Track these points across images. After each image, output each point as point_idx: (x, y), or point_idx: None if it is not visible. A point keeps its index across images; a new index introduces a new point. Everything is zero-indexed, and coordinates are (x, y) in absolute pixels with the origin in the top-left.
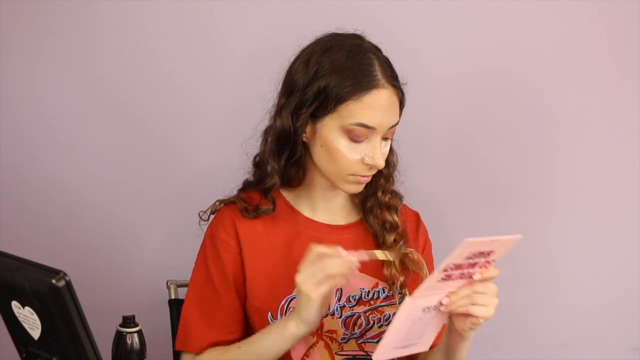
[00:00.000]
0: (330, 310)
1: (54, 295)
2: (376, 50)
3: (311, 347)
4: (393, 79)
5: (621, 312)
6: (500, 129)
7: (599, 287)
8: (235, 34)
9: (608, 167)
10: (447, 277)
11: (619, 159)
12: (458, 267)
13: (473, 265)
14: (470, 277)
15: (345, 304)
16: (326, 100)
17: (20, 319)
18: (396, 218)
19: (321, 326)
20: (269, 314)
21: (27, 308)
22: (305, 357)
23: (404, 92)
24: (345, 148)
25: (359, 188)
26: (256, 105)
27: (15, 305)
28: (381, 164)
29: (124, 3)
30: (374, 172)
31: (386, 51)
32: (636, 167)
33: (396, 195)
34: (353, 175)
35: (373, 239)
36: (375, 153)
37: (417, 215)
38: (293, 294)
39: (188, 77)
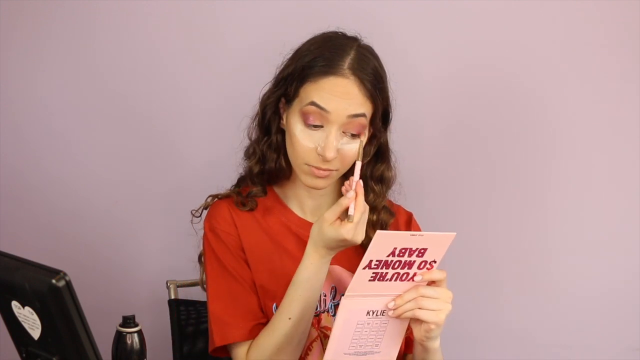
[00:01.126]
0: (326, 308)
1: (54, 295)
2: (365, 49)
3: (314, 340)
4: (363, 74)
5: (621, 312)
6: (495, 129)
7: (599, 288)
8: (234, 32)
9: (608, 167)
10: (381, 277)
11: (618, 158)
12: (386, 264)
13: (410, 265)
14: (412, 279)
15: (339, 302)
16: (292, 82)
17: (20, 319)
18: None
19: (319, 320)
20: (274, 305)
21: (27, 308)
22: (308, 351)
23: (382, 96)
24: (300, 132)
25: (316, 182)
26: (257, 104)
27: (15, 305)
28: (329, 155)
29: (123, 3)
30: (330, 166)
31: (388, 55)
32: (636, 167)
33: (387, 211)
34: (307, 165)
35: (360, 246)
36: (327, 142)
37: (409, 216)
38: None
39: (188, 77)
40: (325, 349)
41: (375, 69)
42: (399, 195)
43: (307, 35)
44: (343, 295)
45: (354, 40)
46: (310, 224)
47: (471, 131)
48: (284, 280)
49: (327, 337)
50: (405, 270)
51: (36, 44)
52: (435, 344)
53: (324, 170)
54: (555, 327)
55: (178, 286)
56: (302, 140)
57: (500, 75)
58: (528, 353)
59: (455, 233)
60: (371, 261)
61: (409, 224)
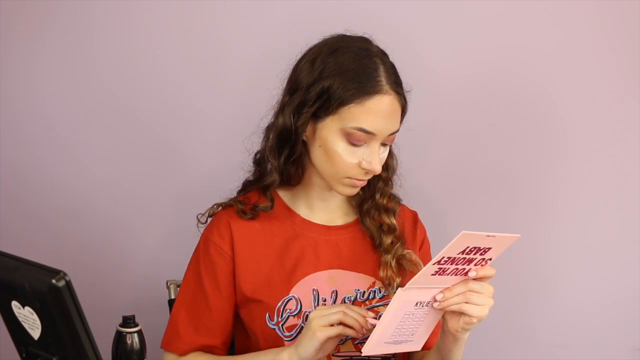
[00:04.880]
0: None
1: (54, 295)
2: (383, 55)
3: None
4: (397, 85)
5: (621, 312)
6: (502, 132)
7: (599, 287)
8: (236, 34)
9: (609, 168)
10: (441, 272)
11: (620, 160)
12: (452, 261)
13: (469, 261)
14: (466, 274)
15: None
16: (328, 101)
17: (20, 319)
18: (394, 221)
19: None
20: (267, 314)
21: (27, 308)
22: None
23: (407, 99)
24: (343, 151)
25: (354, 191)
26: (257, 105)
27: (15, 305)
28: (378, 169)
29: (124, 3)
30: (370, 176)
31: (392, 56)
32: (637, 168)
33: (394, 198)
34: (349, 178)
35: (370, 240)
36: (373, 158)
37: (414, 215)
38: (290, 294)
39: (188, 77)
40: (332, 353)
41: (396, 70)
42: (405, 197)
43: (313, 39)
44: (347, 297)
45: (369, 43)
46: (315, 225)
47: (480, 136)
48: (279, 290)
49: None
50: (464, 266)
51: (36, 44)
52: (467, 335)
53: (365, 180)
54: (555, 327)
55: (178, 286)
56: (346, 158)
57: (510, 81)
58: (528, 352)
59: (519, 235)
60: (443, 257)
61: (416, 222)
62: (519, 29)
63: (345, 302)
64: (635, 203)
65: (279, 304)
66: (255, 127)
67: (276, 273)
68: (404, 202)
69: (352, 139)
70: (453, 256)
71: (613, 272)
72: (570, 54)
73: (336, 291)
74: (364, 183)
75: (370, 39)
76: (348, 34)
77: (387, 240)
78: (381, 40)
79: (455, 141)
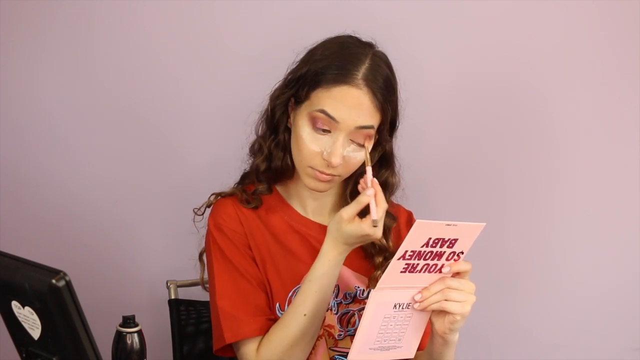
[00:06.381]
0: (329, 306)
1: (54, 295)
2: (379, 58)
3: (318, 338)
4: (377, 86)
5: (621, 312)
6: (499, 132)
7: (599, 287)
8: (234, 31)
9: (607, 167)
10: (412, 268)
11: (618, 158)
12: (419, 255)
13: (439, 256)
14: (440, 271)
15: (342, 300)
16: (304, 85)
17: (20, 319)
18: (384, 242)
19: (324, 319)
20: (277, 304)
21: (27, 308)
22: (312, 350)
23: (392, 107)
24: (307, 136)
25: (319, 185)
26: (257, 102)
27: (15, 305)
28: (335, 161)
29: (123, 2)
30: (333, 171)
31: (393, 60)
32: (636, 167)
33: (390, 216)
34: (311, 168)
35: (361, 249)
36: (333, 149)
37: (409, 215)
38: (299, 285)
39: (188, 77)
40: (329, 347)
41: (388, 80)
42: (402, 198)
43: (310, 35)
44: (348, 292)
45: (369, 47)
46: (312, 223)
47: (476, 136)
48: (288, 279)
49: (331, 335)
50: (435, 261)
51: (37, 44)
52: (456, 337)
53: (327, 174)
54: (555, 327)
55: (178, 286)
56: (308, 143)
57: (505, 81)
58: (528, 352)
59: (485, 223)
60: (406, 252)
61: (410, 223)
62: (516, 29)
63: (346, 297)
64: (634, 202)
65: (290, 294)
66: (252, 122)
67: (282, 264)
68: (399, 202)
69: (316, 123)
70: (417, 249)
71: (613, 272)
72: (567, 54)
73: (338, 286)
74: (328, 178)
75: (375, 44)
76: (357, 36)
77: (378, 258)
78: (384, 44)
79: (452, 139)
